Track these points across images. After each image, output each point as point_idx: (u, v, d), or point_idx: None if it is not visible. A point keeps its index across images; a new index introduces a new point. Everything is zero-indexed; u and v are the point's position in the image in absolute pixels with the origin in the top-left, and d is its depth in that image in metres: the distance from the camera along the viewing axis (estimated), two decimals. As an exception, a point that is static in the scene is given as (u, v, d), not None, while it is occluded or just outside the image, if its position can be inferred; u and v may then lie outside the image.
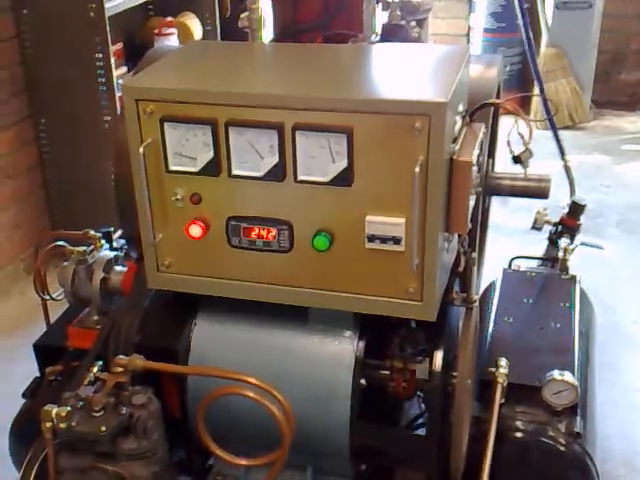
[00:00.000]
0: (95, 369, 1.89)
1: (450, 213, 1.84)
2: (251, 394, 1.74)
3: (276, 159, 1.85)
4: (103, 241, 2.49)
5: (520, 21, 3.39)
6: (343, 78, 1.92)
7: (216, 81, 1.93)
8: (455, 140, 1.84)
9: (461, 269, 2.04)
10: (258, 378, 1.76)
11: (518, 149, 2.06)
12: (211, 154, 1.88)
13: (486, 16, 6.37)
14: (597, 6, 5.95)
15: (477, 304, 2.04)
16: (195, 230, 1.97)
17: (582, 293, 2.90)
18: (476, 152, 1.86)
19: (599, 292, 3.14)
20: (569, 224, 3.12)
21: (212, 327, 2.13)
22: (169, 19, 4.64)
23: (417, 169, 1.72)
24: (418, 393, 2.15)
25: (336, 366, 2.03)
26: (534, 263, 3.17)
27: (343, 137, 1.78)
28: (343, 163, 1.81)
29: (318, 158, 1.82)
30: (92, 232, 2.49)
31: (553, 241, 3.15)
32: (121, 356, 1.86)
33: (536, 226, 3.09)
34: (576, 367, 2.45)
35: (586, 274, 2.97)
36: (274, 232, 1.93)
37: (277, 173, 1.86)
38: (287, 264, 1.96)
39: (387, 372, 2.10)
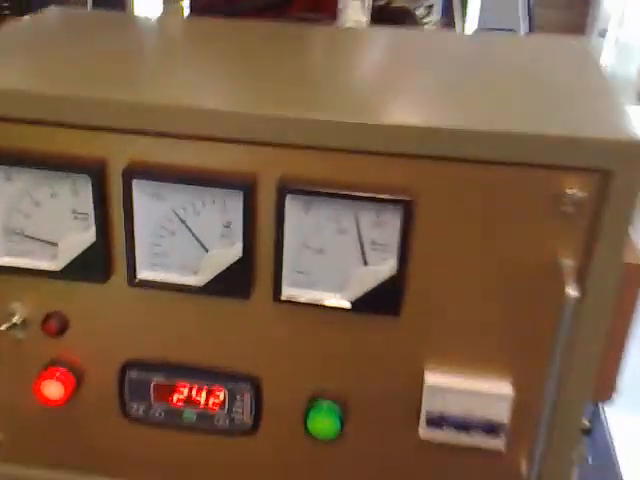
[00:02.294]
0: None
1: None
2: None
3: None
4: None
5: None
6: (398, 92, 0.93)
7: (107, 82, 0.90)
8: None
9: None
10: None
11: None
12: (91, 236, 0.87)
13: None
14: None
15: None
16: (51, 389, 0.94)
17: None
18: None
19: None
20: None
21: None
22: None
23: (571, 291, 0.77)
24: None
25: None
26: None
27: (396, 211, 0.80)
28: (386, 266, 0.83)
29: (331, 252, 0.84)
30: None
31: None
32: None
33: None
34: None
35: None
36: (221, 394, 0.93)
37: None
38: (246, 460, 0.96)
39: None
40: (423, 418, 0.89)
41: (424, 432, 0.90)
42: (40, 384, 0.94)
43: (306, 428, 0.92)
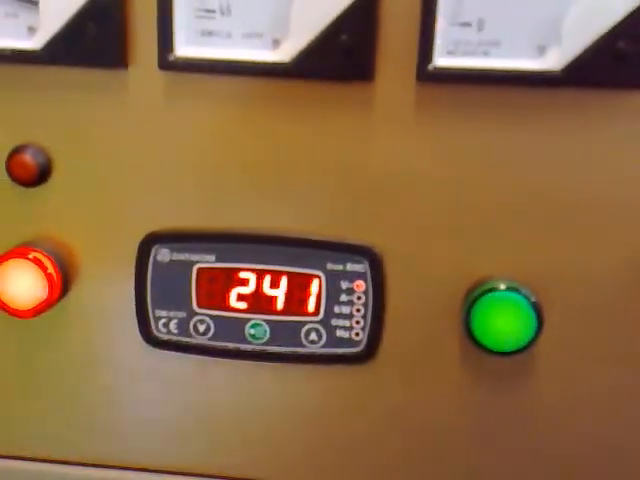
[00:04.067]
0: None
1: None
2: None
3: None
4: None
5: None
6: None
7: None
8: None
9: None
10: None
11: None
12: None
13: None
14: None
15: None
16: (22, 281, 0.55)
17: None
18: None
19: None
20: None
21: None
22: None
23: None
24: None
25: None
26: None
27: None
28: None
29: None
30: None
31: None
32: None
33: None
34: None
35: None
36: (313, 285, 0.53)
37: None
38: (355, 413, 0.55)
39: None
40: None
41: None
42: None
43: (470, 332, 0.51)
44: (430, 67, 0.49)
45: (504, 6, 0.48)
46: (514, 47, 0.48)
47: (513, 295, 0.51)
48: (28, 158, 0.54)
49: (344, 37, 0.49)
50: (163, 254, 0.55)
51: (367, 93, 0.50)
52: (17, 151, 0.54)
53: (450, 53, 0.49)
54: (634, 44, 0.47)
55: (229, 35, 0.51)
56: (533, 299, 0.51)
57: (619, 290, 0.51)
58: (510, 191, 0.51)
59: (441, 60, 0.49)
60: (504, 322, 0.51)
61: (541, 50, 0.48)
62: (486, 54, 0.49)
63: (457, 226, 0.52)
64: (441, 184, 0.51)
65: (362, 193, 0.52)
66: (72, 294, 0.57)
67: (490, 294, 0.51)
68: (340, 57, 0.49)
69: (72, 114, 0.53)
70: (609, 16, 0.47)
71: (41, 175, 0.54)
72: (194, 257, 0.55)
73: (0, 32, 0.52)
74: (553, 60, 0.48)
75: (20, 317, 0.55)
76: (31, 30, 0.52)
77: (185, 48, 0.51)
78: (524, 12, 0.48)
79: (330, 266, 0.54)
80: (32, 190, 0.55)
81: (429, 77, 0.49)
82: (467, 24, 0.49)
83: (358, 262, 0.53)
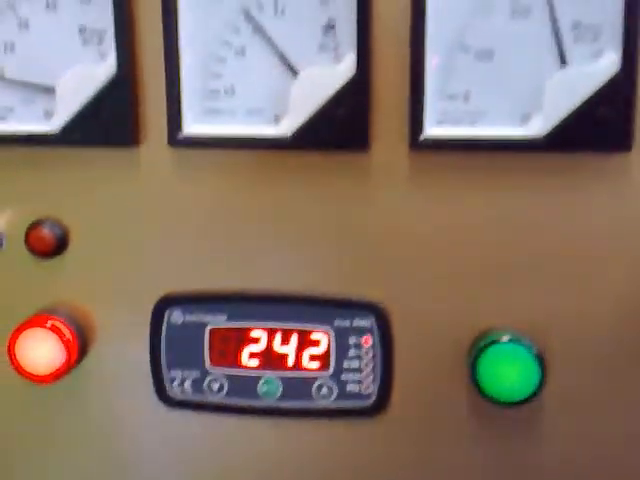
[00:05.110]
0: None
1: None
2: None
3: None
4: None
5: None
6: None
7: None
8: None
9: None
10: None
11: None
12: (108, 68, 0.54)
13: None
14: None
15: None
16: (39, 350, 0.59)
17: None
18: None
19: None
20: None
21: None
22: None
23: None
24: None
25: None
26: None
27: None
28: (600, 63, 0.50)
29: (504, 52, 0.51)
30: None
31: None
32: None
33: None
34: None
35: None
36: (323, 342, 0.58)
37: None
38: (367, 463, 0.58)
39: None
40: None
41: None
42: (17, 342, 0.57)
43: (477, 384, 0.54)
44: (422, 137, 0.52)
45: (488, 78, 0.52)
46: (499, 116, 0.52)
47: (515, 346, 0.53)
48: (46, 232, 0.57)
49: (340, 111, 0.53)
50: (176, 316, 0.58)
51: (364, 162, 0.54)
52: (35, 225, 0.57)
53: (440, 123, 0.53)
54: (614, 109, 0.51)
55: (233, 113, 0.54)
56: (535, 350, 0.53)
57: (619, 336, 0.54)
58: (502, 246, 0.54)
59: (432, 130, 0.52)
60: (508, 373, 0.54)
61: (525, 118, 0.52)
62: (473, 123, 0.53)
63: (457, 280, 0.55)
64: (437, 242, 0.55)
65: (364, 252, 0.55)
66: (89, 357, 0.59)
67: (493, 346, 0.54)
68: (337, 130, 0.53)
69: (88, 189, 0.57)
70: (589, 83, 0.50)
71: (58, 247, 0.57)
72: (206, 318, 0.58)
73: (18, 117, 0.56)
74: (536, 127, 0.52)
75: (39, 383, 0.58)
76: (47, 114, 0.56)
77: (193, 126, 0.55)
78: (507, 83, 0.52)
79: (338, 322, 0.57)
80: (50, 260, 0.58)
81: (421, 146, 0.52)
82: (454, 96, 0.52)
83: (365, 317, 0.56)
